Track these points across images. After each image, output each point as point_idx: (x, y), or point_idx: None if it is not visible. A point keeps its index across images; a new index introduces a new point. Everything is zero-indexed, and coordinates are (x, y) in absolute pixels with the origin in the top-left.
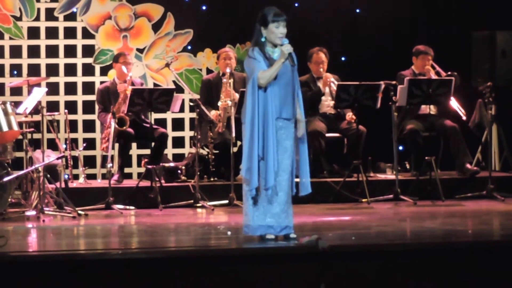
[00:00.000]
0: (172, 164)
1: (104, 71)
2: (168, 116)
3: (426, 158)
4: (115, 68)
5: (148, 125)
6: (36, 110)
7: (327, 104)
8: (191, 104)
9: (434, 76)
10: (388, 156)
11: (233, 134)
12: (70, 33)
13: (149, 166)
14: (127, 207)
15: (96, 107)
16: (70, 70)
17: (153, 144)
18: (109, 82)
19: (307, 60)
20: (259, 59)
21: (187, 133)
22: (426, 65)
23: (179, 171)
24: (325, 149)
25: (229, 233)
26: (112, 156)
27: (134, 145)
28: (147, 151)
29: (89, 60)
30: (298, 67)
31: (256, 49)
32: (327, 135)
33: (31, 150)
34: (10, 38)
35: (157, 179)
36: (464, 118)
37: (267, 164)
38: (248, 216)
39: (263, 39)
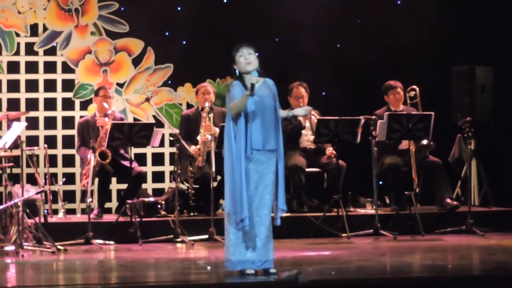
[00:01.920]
0: (151, 199)
1: (84, 106)
2: (148, 150)
3: (406, 192)
4: (95, 102)
5: (126, 162)
6: (16, 144)
7: (307, 138)
8: (171, 138)
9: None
10: (368, 191)
11: (213, 169)
12: (50, 67)
13: (129, 201)
14: (107, 242)
15: (76, 140)
16: (50, 104)
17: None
18: (90, 116)
19: (287, 95)
20: (236, 91)
21: (167, 168)
22: (398, 99)
23: (159, 206)
24: (305, 184)
25: (209, 268)
26: (92, 191)
27: (113, 179)
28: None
29: (69, 95)
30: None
31: (235, 82)
32: (307, 169)
33: (10, 184)
34: None
35: (137, 214)
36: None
37: (241, 196)
38: (229, 251)
39: (237, 73)
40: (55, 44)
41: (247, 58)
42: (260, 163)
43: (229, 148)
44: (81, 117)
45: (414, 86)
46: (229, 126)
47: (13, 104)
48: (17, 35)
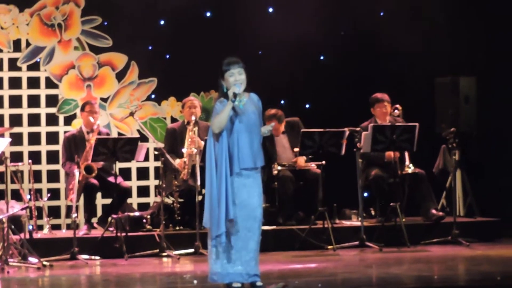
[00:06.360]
0: (137, 214)
1: (68, 121)
2: (133, 165)
3: (391, 204)
4: (81, 117)
5: (111, 178)
6: (0, 160)
7: (286, 156)
8: (156, 153)
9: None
10: (353, 203)
11: (198, 183)
12: (33, 83)
13: (114, 216)
14: (92, 257)
15: (61, 155)
16: (34, 120)
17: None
18: (76, 130)
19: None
20: (219, 110)
21: (152, 182)
22: (384, 112)
23: (144, 220)
24: (292, 195)
25: (195, 282)
26: (77, 206)
27: (98, 194)
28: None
29: (53, 110)
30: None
31: (221, 99)
32: None
33: None
34: None
35: (122, 229)
36: None
37: (219, 212)
38: (217, 264)
39: (225, 90)
40: (38, 60)
41: (237, 80)
42: (246, 177)
43: (209, 165)
44: (64, 132)
45: (398, 105)
46: (210, 143)
47: None
48: (0, 50)
